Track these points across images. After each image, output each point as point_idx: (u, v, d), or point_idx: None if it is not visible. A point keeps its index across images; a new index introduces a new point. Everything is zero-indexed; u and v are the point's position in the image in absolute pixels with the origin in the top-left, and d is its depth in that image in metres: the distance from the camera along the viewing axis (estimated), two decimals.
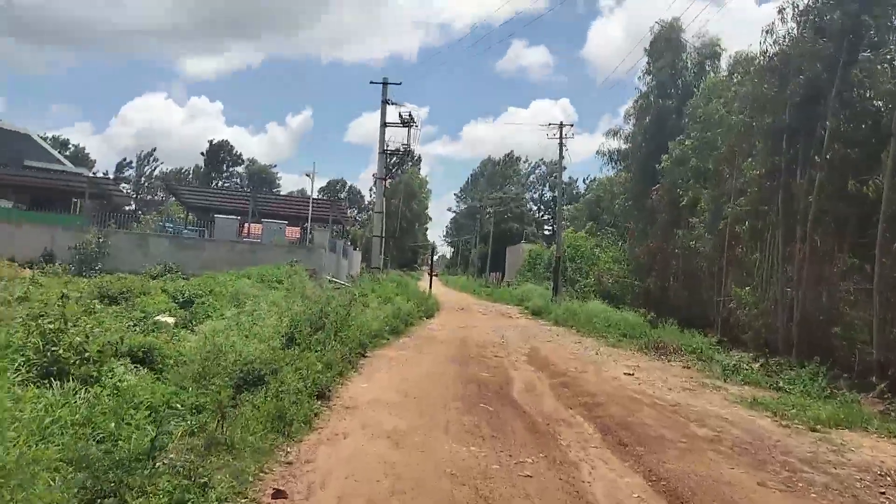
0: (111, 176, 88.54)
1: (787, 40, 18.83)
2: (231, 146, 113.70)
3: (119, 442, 5.61)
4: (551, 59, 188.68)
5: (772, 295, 18.61)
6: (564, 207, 48.12)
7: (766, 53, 20.03)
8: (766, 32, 19.61)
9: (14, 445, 5.04)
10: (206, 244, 29.43)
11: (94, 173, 62.02)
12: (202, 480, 5.17)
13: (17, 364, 6.58)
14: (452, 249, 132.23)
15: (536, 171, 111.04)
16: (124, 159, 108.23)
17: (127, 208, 49.47)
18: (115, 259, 25.66)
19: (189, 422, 6.64)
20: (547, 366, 14.94)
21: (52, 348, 6.85)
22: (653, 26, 32.32)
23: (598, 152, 37.00)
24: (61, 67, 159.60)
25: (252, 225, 36.58)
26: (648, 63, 32.47)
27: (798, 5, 17.96)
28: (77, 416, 5.78)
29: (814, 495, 6.80)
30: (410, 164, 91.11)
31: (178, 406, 7.01)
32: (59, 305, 7.74)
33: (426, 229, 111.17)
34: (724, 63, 29.84)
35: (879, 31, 16.49)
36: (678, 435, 8.97)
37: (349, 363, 11.99)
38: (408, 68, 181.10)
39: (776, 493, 6.77)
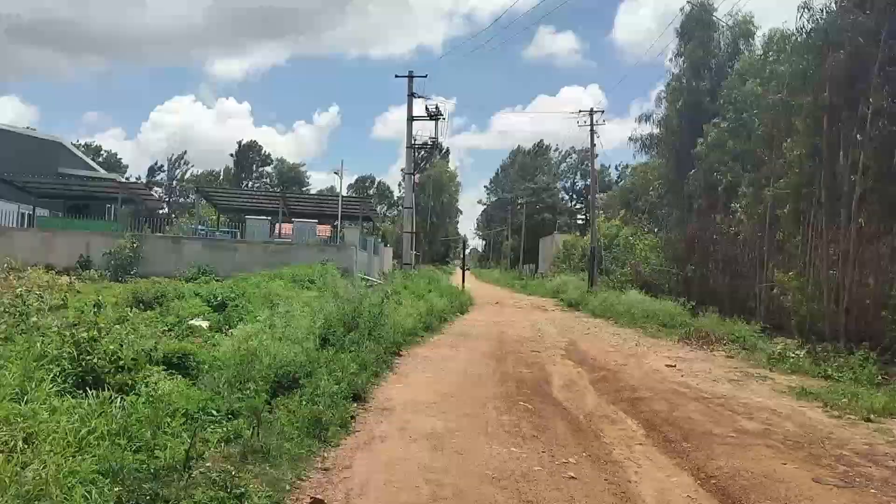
0: (143, 180, 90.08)
1: (825, 15, 18.24)
2: (260, 146, 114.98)
3: (155, 451, 5.53)
4: (579, 45, 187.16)
5: (816, 279, 18.09)
6: (598, 195, 47.44)
7: (803, 30, 19.45)
8: (803, 8, 19.07)
9: (51, 458, 4.99)
10: (238, 245, 29.51)
11: (126, 178, 63.05)
12: (238, 491, 5.04)
13: (52, 374, 6.52)
14: (484, 242, 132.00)
15: (568, 160, 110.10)
16: (156, 163, 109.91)
17: (160, 212, 50.09)
18: (150, 263, 25.87)
19: (225, 428, 6.54)
20: (586, 360, 14.67)
21: (87, 357, 6.80)
22: (683, 6, 31.73)
23: (630, 138, 36.42)
24: (92, 75, 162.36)
25: (283, 225, 36.71)
26: (679, 44, 31.86)
27: None
28: (113, 425, 5.70)
29: (874, 491, 6.49)
30: (439, 157, 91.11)
31: (214, 412, 6.92)
32: (93, 313, 7.69)
33: (457, 223, 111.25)
34: (758, 42, 29.13)
35: None
36: (726, 429, 8.67)
37: (384, 363, 11.85)
38: (434, 61, 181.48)
39: (834, 490, 6.46)
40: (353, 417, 8.10)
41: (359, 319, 12.79)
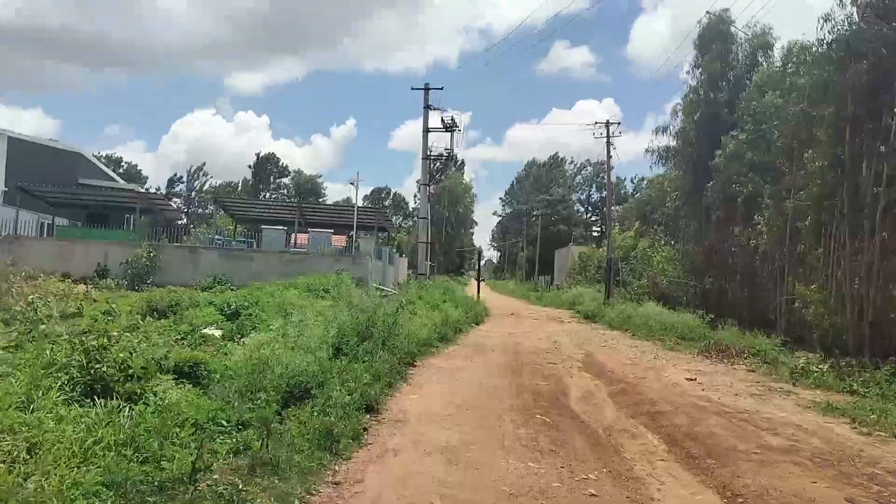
0: (163, 192, 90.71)
1: (847, 26, 17.99)
2: (277, 158, 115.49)
3: (162, 462, 5.38)
4: (594, 59, 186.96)
5: (839, 292, 17.74)
6: (613, 208, 47.10)
7: (823, 41, 19.21)
8: (824, 20, 18.86)
9: (55, 469, 4.85)
10: (254, 255, 29.50)
11: (145, 189, 63.47)
12: None
13: (60, 382, 6.40)
14: (499, 254, 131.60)
15: (583, 173, 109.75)
16: (175, 175, 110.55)
17: (179, 223, 50.30)
18: (167, 272, 25.88)
19: (234, 439, 6.38)
20: (604, 372, 14.40)
21: (96, 365, 6.68)
22: (701, 18, 31.58)
23: (647, 150, 36.24)
24: (114, 89, 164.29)
25: (299, 235, 36.64)
26: (697, 56, 31.64)
27: None
28: (120, 435, 5.56)
29: None
30: (454, 168, 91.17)
31: (224, 422, 6.76)
32: (104, 321, 7.59)
33: (472, 234, 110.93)
34: (777, 53, 28.85)
35: None
36: (751, 445, 8.38)
37: (398, 373, 11.65)
38: (449, 74, 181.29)
39: None
40: (365, 429, 7.91)
41: (373, 329, 12.61)
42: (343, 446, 6.95)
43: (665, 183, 39.99)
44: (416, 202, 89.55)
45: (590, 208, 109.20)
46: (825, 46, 19.16)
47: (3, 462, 4.72)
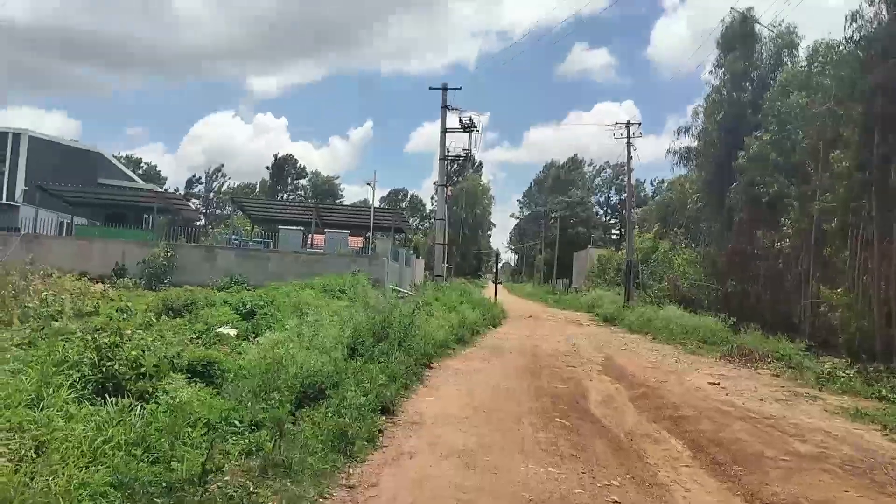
0: (181, 192, 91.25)
1: (875, 24, 17.65)
2: (295, 160, 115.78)
3: (172, 463, 5.23)
4: (614, 61, 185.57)
5: (867, 295, 17.36)
6: (633, 210, 46.67)
7: (851, 40, 18.87)
8: (851, 18, 18.54)
9: (62, 468, 4.72)
10: (270, 255, 29.46)
11: (166, 189, 63.87)
12: None
13: (71, 380, 6.28)
14: (517, 256, 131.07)
15: (602, 175, 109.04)
16: (194, 175, 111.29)
17: (197, 223, 50.50)
18: (184, 272, 25.90)
19: (247, 440, 6.23)
20: (624, 376, 14.13)
21: (108, 363, 6.56)
22: (725, 17, 31.18)
23: (668, 150, 35.90)
24: (135, 91, 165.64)
25: (316, 235, 36.62)
26: (720, 56, 31.29)
27: None
28: (131, 434, 5.43)
29: None
30: (472, 170, 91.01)
31: (237, 423, 6.62)
32: (118, 319, 7.49)
33: (489, 236, 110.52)
34: (802, 53, 28.42)
35: None
36: (779, 452, 8.12)
37: (414, 375, 11.47)
38: (468, 77, 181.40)
39: None
40: (380, 431, 7.74)
41: (389, 330, 12.45)
42: (357, 448, 6.78)
43: (686, 185, 39.60)
44: (432, 204, 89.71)
45: (608, 211, 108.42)
46: (853, 45, 18.82)
47: (11, 461, 4.60)
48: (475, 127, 38.53)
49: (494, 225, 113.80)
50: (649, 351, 19.57)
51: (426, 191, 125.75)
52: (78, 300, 12.08)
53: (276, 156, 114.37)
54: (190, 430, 5.88)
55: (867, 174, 17.77)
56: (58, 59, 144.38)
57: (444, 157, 38.16)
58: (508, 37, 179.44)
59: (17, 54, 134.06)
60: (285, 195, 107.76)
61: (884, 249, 16.74)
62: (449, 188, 42.83)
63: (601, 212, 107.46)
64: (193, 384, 7.38)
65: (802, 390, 13.29)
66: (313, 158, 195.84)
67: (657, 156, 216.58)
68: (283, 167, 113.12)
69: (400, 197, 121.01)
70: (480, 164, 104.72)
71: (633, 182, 41.72)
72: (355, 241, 38.31)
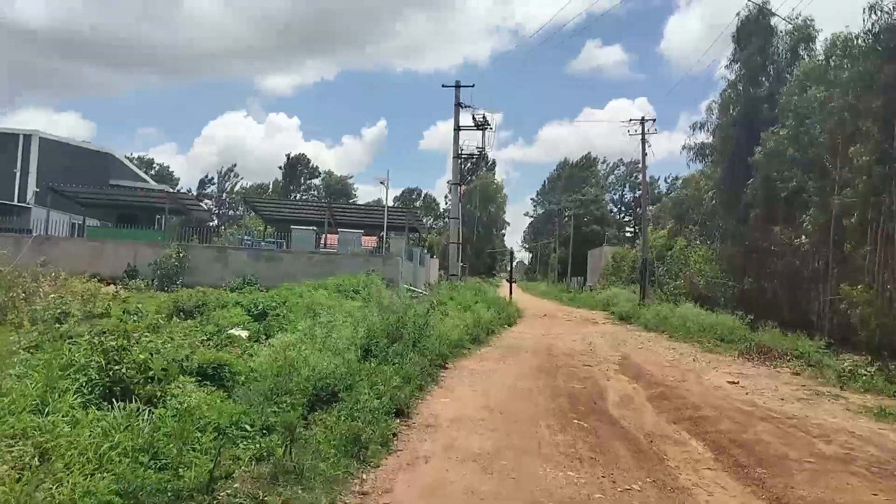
0: (193, 192, 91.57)
1: (895, 15, 17.31)
2: (308, 159, 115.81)
3: (180, 469, 5.09)
4: (627, 58, 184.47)
5: (888, 292, 17.02)
6: (647, 207, 46.26)
7: (870, 32, 18.53)
8: (870, 10, 18.19)
9: (67, 476, 4.59)
10: (283, 255, 29.35)
11: (178, 190, 64.05)
12: None
13: (78, 384, 6.16)
14: (531, 255, 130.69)
15: (615, 172, 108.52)
16: (206, 176, 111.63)
17: (210, 224, 50.59)
18: (196, 273, 25.86)
19: (258, 444, 6.08)
20: (642, 375, 13.91)
21: (115, 367, 6.43)
22: (740, 11, 30.75)
23: (684, 146, 35.52)
24: (148, 92, 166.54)
25: (329, 235, 36.52)
26: (735, 50, 30.84)
27: None
28: (138, 440, 5.29)
29: None
30: (485, 168, 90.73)
31: (248, 427, 6.49)
32: (129, 321, 7.36)
33: (503, 235, 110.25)
34: (819, 46, 27.96)
35: None
36: (803, 454, 7.90)
37: (429, 376, 11.29)
38: (480, 75, 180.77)
39: None
40: (394, 435, 7.55)
41: (403, 330, 12.28)
42: (371, 453, 6.60)
43: (702, 181, 39.19)
44: (446, 203, 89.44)
45: (623, 208, 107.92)
46: (871, 37, 18.48)
47: (13, 469, 4.47)
48: (488, 124, 38.35)
49: (508, 224, 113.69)
50: (666, 349, 19.32)
51: (440, 189, 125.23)
52: (88, 302, 12.00)
53: (288, 155, 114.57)
54: (199, 434, 5.76)
55: (888, 168, 17.43)
56: (71, 60, 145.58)
57: (457, 156, 37.97)
58: (521, 34, 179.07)
59: (30, 56, 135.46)
60: (298, 195, 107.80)
61: None
62: (463, 187, 42.59)
63: (615, 209, 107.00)
64: (203, 387, 7.25)
65: (824, 389, 13.04)
66: (326, 158, 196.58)
67: (671, 152, 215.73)
68: (296, 167, 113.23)
69: (414, 196, 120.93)
70: (494, 162, 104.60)
71: (647, 179, 41.37)
72: (369, 241, 38.18)
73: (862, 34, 19.40)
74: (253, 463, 5.70)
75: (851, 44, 21.07)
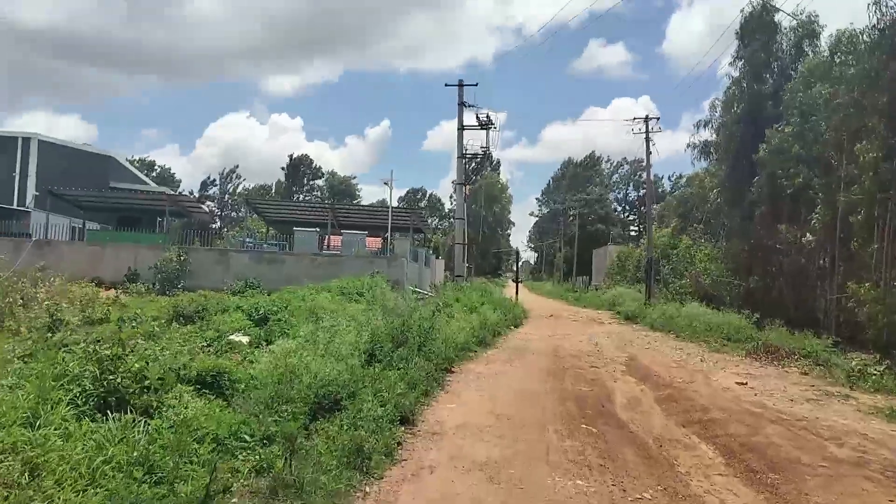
0: (196, 195, 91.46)
1: None
2: (311, 160, 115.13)
3: (176, 483, 4.92)
4: (630, 57, 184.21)
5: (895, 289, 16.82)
6: (652, 206, 46.02)
7: (875, 27, 18.33)
8: (875, 5, 18.02)
9: (58, 492, 4.42)
10: (286, 258, 29.12)
11: (179, 192, 63.95)
12: None
13: (71, 395, 5.98)
14: (536, 255, 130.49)
15: (619, 171, 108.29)
16: (208, 177, 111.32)
17: (212, 226, 50.46)
18: (197, 276, 25.68)
19: (258, 455, 5.91)
20: (649, 376, 13.72)
21: (110, 376, 6.24)
22: (744, 7, 30.51)
23: (688, 144, 35.35)
24: (150, 94, 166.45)
25: (332, 237, 36.32)
26: (739, 47, 30.63)
27: None
28: (133, 453, 5.12)
29: None
30: (489, 168, 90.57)
31: (247, 437, 6.32)
32: (129, 327, 7.19)
33: (509, 235, 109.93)
34: (824, 43, 27.73)
35: None
36: (816, 458, 7.72)
37: (435, 380, 11.08)
38: (484, 75, 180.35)
39: None
40: (399, 444, 7.35)
41: (408, 334, 12.09)
42: (375, 463, 6.39)
43: (706, 179, 38.98)
44: (451, 203, 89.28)
45: (627, 207, 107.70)
46: (877, 33, 18.29)
47: (1, 486, 4.30)
48: (492, 124, 38.12)
49: (514, 224, 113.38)
50: (673, 349, 19.14)
51: (444, 190, 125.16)
52: (87, 307, 11.84)
53: (291, 156, 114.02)
54: (197, 446, 5.59)
55: (894, 164, 17.23)
56: (71, 62, 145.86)
57: (461, 155, 37.76)
58: (524, 34, 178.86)
59: (30, 59, 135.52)
60: (301, 196, 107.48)
61: None
62: (467, 187, 42.39)
63: (619, 208, 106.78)
64: (202, 396, 7.09)
65: (833, 389, 12.88)
66: (329, 158, 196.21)
67: (674, 151, 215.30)
68: (299, 168, 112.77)
69: (418, 196, 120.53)
70: (498, 162, 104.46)
71: (651, 177, 41.13)
72: (373, 242, 37.97)
73: (867, 30, 19.23)
74: (252, 476, 5.53)
75: (856, 40, 20.90)
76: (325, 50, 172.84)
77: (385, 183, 38.76)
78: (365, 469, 6.23)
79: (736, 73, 31.06)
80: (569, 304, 46.98)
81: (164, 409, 6.22)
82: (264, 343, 11.10)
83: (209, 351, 9.63)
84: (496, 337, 19.84)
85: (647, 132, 37.28)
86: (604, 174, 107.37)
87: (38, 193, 35.52)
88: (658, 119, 38.44)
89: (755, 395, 11.99)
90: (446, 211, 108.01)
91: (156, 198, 38.61)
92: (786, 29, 29.82)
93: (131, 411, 5.91)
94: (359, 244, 32.16)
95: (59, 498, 4.33)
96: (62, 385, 6.07)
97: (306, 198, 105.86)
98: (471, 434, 8.18)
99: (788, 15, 28.98)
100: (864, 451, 8.18)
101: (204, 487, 4.62)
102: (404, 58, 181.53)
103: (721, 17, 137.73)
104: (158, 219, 37.94)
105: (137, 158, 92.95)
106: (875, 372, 13.97)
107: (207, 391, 7.34)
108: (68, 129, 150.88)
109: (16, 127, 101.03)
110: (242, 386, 7.71)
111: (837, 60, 23.58)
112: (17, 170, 37.38)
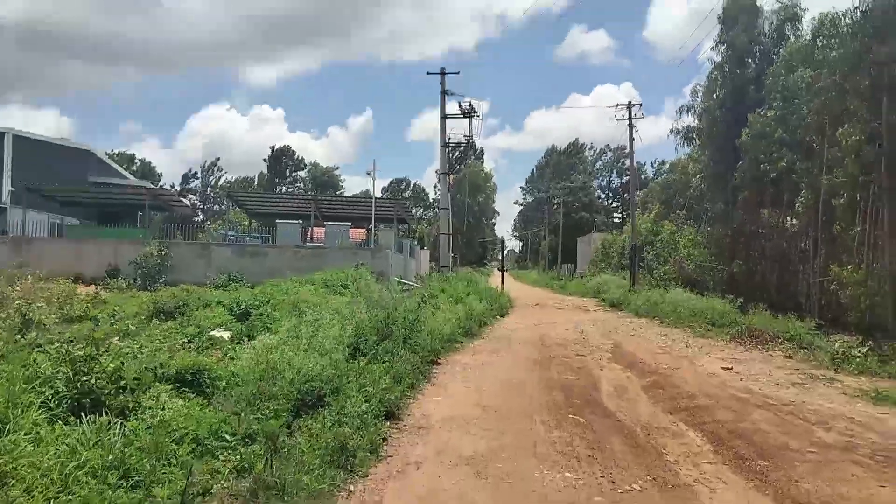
0: (177, 188, 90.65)
1: None
2: (293, 151, 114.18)
3: (153, 487, 4.76)
4: (612, 43, 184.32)
5: (877, 272, 16.88)
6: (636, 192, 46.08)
7: (857, 9, 18.34)
8: None
9: (28, 501, 4.26)
10: (269, 251, 28.82)
11: (160, 186, 63.29)
12: None
13: (43, 398, 5.79)
14: (521, 243, 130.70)
15: (603, 158, 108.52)
16: (190, 170, 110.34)
17: (195, 219, 49.98)
18: (179, 270, 25.29)
19: (239, 455, 5.75)
20: (635, 363, 13.70)
21: (84, 377, 6.05)
22: None
23: (671, 130, 35.39)
24: (129, 86, 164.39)
25: (315, 229, 36.04)
26: (721, 31, 30.65)
27: None
28: (108, 457, 4.94)
29: None
30: (473, 157, 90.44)
31: (228, 437, 6.15)
32: (108, 324, 6.99)
33: (494, 224, 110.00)
34: (806, 26, 27.78)
35: None
36: (804, 443, 7.68)
37: (421, 373, 10.95)
38: (466, 63, 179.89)
39: None
40: (384, 439, 7.21)
41: (393, 326, 11.92)
42: (359, 461, 6.24)
43: (689, 165, 39.07)
44: (436, 193, 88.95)
45: (611, 194, 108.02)
46: (859, 15, 18.29)
47: None
48: (475, 112, 37.88)
49: (498, 213, 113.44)
50: (658, 336, 19.15)
51: (429, 179, 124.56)
52: (65, 305, 11.60)
53: (273, 148, 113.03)
54: (175, 447, 5.43)
55: (877, 147, 17.28)
56: (48, 56, 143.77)
57: (444, 144, 37.52)
58: (506, 20, 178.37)
59: (5, 52, 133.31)
60: (284, 188, 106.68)
61: (895, 224, 16.25)
62: (451, 176, 42.18)
63: (603, 196, 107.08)
64: (181, 395, 6.92)
65: (818, 372, 12.92)
66: (312, 149, 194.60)
67: (658, 138, 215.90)
68: (281, 159, 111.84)
69: (402, 186, 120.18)
70: (482, 151, 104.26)
71: (634, 164, 41.14)
72: (357, 234, 37.76)
73: (849, 13, 19.24)
74: (233, 477, 5.38)
75: (838, 23, 20.92)
76: (306, 40, 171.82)
77: (368, 173, 38.58)
78: (349, 467, 6.08)
79: (718, 58, 31.13)
80: (554, 293, 47.00)
81: (141, 409, 6.06)
82: (246, 338, 10.91)
83: (189, 348, 9.44)
84: (482, 327, 19.75)
85: (629, 118, 37.26)
86: (587, 162, 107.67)
87: (14, 190, 34.80)
88: (640, 105, 38.43)
89: (741, 379, 11.98)
90: (430, 201, 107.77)
91: (136, 192, 38.04)
92: (768, 12, 29.92)
93: (107, 413, 5.74)
94: (342, 236, 31.95)
95: None
96: (33, 387, 5.89)
97: (289, 190, 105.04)
98: (457, 427, 8.06)
99: (764, 6, 29.03)
100: (852, 434, 8.15)
101: (179, 493, 4.46)
102: (386, 47, 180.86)
103: (703, 0, 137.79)
104: (139, 213, 37.43)
105: (117, 152, 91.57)
106: (858, 354, 14.03)
107: (187, 389, 7.18)
108: (46, 123, 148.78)
109: None
110: (223, 383, 7.55)
111: (819, 44, 23.63)
112: None
